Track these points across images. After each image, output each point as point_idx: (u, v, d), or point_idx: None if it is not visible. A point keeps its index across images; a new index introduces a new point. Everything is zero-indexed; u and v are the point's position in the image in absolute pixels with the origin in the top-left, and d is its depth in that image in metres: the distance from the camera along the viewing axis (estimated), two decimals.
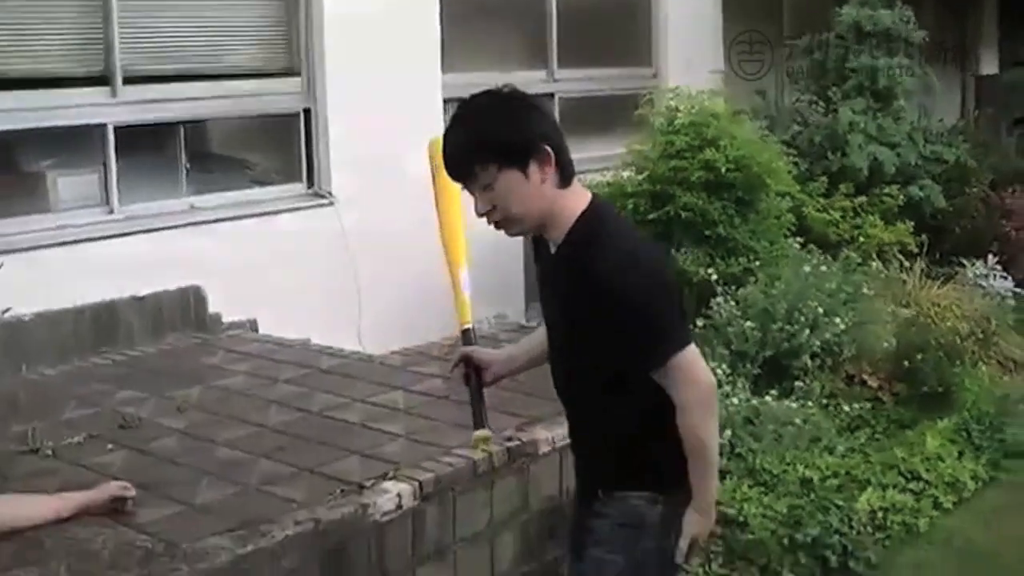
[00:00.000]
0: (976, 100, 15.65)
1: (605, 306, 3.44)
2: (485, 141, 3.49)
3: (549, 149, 3.51)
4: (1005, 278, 11.00)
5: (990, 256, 11.11)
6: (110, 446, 5.38)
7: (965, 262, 11.00)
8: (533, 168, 3.49)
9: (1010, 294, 10.74)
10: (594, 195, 3.64)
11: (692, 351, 3.53)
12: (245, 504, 4.67)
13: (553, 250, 3.63)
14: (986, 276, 10.85)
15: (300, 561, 4.40)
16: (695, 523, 3.62)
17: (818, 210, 10.10)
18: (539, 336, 3.99)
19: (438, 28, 9.09)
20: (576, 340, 3.62)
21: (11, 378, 6.48)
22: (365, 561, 4.66)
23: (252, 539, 4.32)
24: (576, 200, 3.58)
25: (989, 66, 16.68)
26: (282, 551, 4.35)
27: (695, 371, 3.51)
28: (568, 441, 4.01)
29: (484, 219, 3.55)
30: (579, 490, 3.88)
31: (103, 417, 5.78)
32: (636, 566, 3.64)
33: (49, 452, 5.30)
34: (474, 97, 3.59)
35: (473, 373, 4.05)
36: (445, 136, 3.58)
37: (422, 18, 8.97)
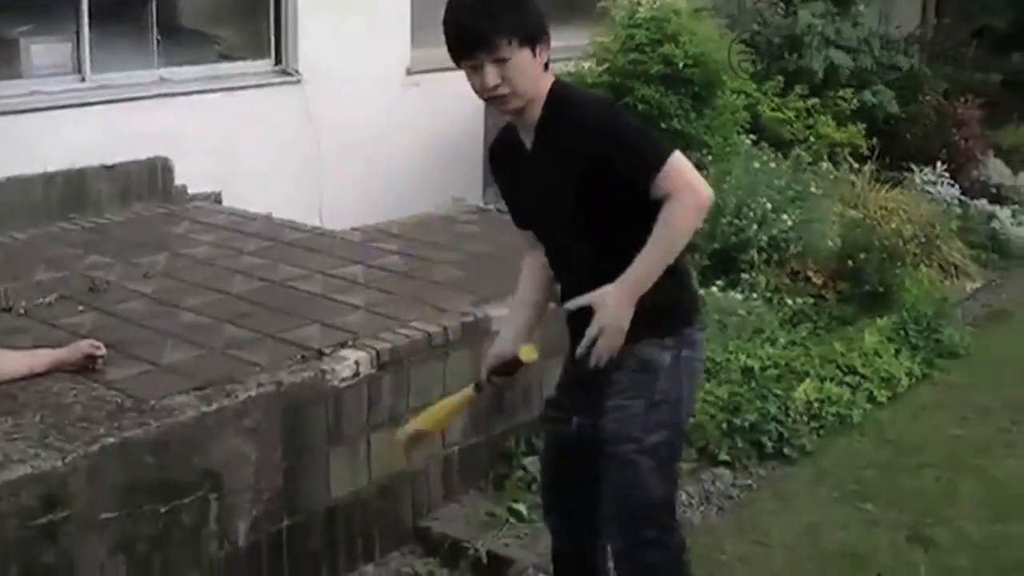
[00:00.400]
0: (937, 8, 15.71)
1: (601, 142, 3.70)
2: (513, 19, 3.68)
3: (549, 34, 3.80)
4: (952, 185, 11.24)
5: (939, 163, 11.34)
6: (80, 307, 5.54)
7: (914, 168, 11.23)
8: (539, 49, 3.75)
9: (956, 201, 10.98)
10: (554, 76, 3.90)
11: (679, 158, 3.69)
12: (210, 366, 4.84)
13: (530, 143, 3.87)
14: (934, 183, 11.09)
15: (261, 420, 4.60)
16: (609, 300, 3.70)
17: (772, 109, 10.27)
18: (527, 298, 4.21)
19: None
20: (583, 199, 3.79)
21: None
22: (323, 424, 4.87)
23: (216, 398, 4.51)
24: (548, 81, 3.83)
25: None
26: (244, 410, 4.54)
27: (694, 176, 3.69)
28: None
29: (486, 93, 3.73)
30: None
31: (72, 280, 5.93)
32: (652, 406, 3.87)
33: (22, 311, 5.46)
34: None
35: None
36: (463, 7, 3.75)
37: None
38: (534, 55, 3.73)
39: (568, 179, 3.77)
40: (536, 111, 3.82)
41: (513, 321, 4.22)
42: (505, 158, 4.04)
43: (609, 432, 3.90)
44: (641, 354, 3.85)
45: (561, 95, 3.84)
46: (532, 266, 4.16)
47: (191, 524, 4.43)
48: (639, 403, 3.88)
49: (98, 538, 4.14)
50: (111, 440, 4.16)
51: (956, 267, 9.90)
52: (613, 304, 3.70)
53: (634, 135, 3.77)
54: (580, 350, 3.75)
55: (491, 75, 3.69)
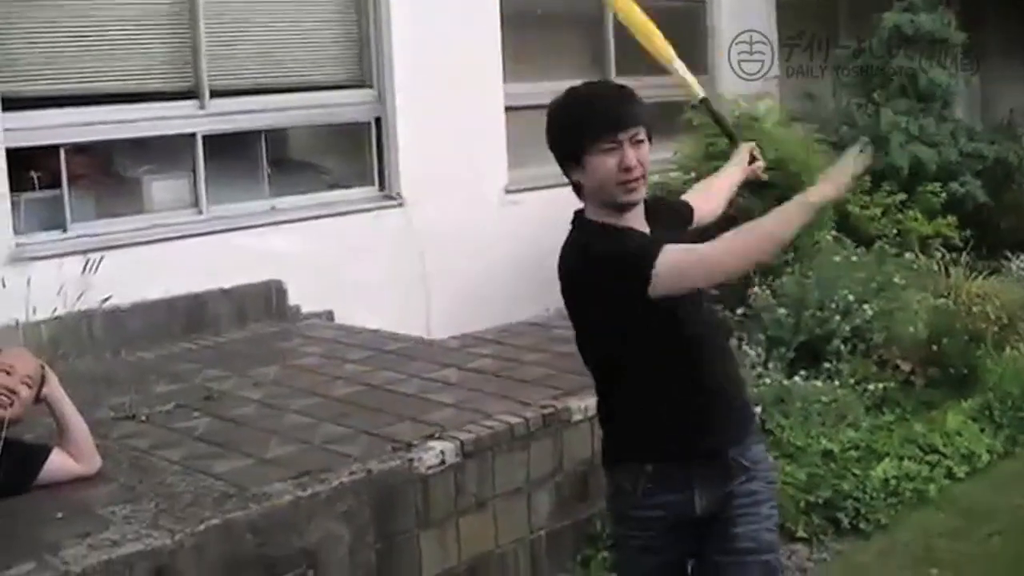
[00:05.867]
0: None
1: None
2: (646, 109, 3.90)
3: None
4: None
5: None
6: (195, 413, 6.08)
7: (1010, 256, 11.45)
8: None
9: None
10: None
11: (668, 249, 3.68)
12: (309, 458, 5.33)
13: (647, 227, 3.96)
14: None
15: (354, 504, 5.07)
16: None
17: (861, 207, 10.60)
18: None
19: (499, 40, 9.69)
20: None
21: (111, 360, 7.20)
22: (412, 509, 5.30)
23: (311, 485, 4.99)
24: None
25: None
26: (337, 496, 5.01)
27: (684, 257, 3.68)
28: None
29: (627, 171, 3.80)
30: (712, 472, 3.93)
31: (190, 391, 6.47)
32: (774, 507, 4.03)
33: (143, 419, 6.01)
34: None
35: None
36: (604, 91, 4.06)
37: (484, 31, 9.58)
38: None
39: None
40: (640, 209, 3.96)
41: None
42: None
43: (764, 541, 3.93)
44: (767, 464, 4.06)
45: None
46: None
47: None
48: (776, 512, 4.01)
49: None
50: (215, 521, 4.66)
51: None
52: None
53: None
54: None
55: (630, 155, 3.80)
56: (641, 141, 3.84)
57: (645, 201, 3.94)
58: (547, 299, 8.54)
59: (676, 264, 3.63)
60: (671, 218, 4.12)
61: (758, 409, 6.93)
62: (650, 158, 3.87)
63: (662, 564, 4.03)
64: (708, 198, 4.43)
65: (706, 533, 3.95)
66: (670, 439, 3.90)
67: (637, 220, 3.91)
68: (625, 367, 3.90)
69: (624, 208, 3.86)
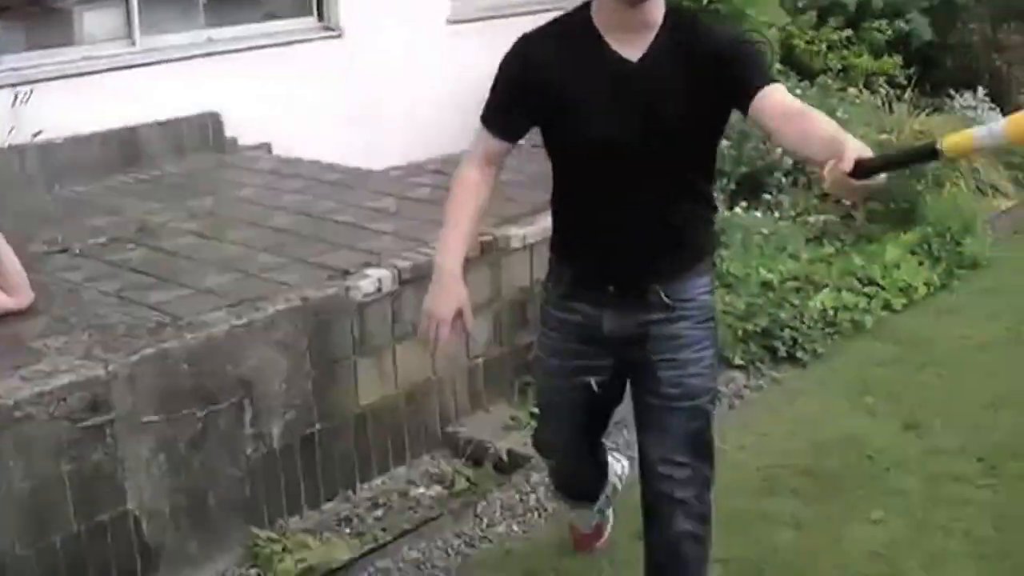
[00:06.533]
0: None
1: (733, 48, 3.58)
2: None
3: None
4: (993, 109, 11.45)
5: (980, 88, 11.56)
6: (129, 246, 6.00)
7: (954, 93, 11.47)
8: None
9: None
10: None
11: None
12: (244, 287, 5.29)
13: (638, 54, 3.61)
14: (975, 107, 11.30)
15: (290, 334, 5.06)
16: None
17: (807, 42, 10.56)
18: (473, 205, 3.98)
19: None
20: (688, 121, 3.60)
21: (44, 195, 7.07)
22: (348, 336, 5.30)
23: (247, 313, 4.96)
24: None
25: None
26: (273, 324, 4.99)
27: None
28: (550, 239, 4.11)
29: None
30: (625, 299, 3.83)
31: (125, 224, 6.38)
32: (716, 354, 3.94)
33: (77, 252, 5.92)
34: None
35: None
36: None
37: None
38: None
39: (683, 94, 3.58)
40: (658, 17, 3.63)
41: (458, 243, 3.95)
42: (562, 59, 3.68)
43: (689, 386, 3.83)
44: (705, 303, 3.85)
45: (680, 9, 3.75)
46: (477, 185, 3.97)
47: (227, 427, 4.88)
48: (709, 354, 3.87)
49: (141, 439, 4.60)
50: (150, 351, 4.63)
51: (993, 187, 10.14)
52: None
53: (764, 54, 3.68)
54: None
55: None
56: None
57: (674, 15, 3.64)
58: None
59: None
60: (714, 70, 3.54)
61: None
62: None
63: (565, 370, 4.02)
64: (795, 126, 3.42)
65: (632, 374, 3.94)
66: (589, 253, 3.87)
67: (636, 32, 3.61)
68: (556, 166, 3.86)
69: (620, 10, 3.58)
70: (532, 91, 3.70)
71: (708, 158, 3.79)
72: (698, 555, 4.00)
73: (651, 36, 3.60)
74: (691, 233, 3.81)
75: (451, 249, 3.88)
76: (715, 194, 3.99)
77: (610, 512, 4.81)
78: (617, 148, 3.64)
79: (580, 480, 4.56)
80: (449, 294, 3.79)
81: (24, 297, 5.09)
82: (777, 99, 3.44)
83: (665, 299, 3.77)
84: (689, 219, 3.78)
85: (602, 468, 4.53)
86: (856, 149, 3.05)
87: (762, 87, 3.44)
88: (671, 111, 3.57)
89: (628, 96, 3.60)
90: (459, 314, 3.79)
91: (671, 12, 3.62)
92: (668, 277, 3.78)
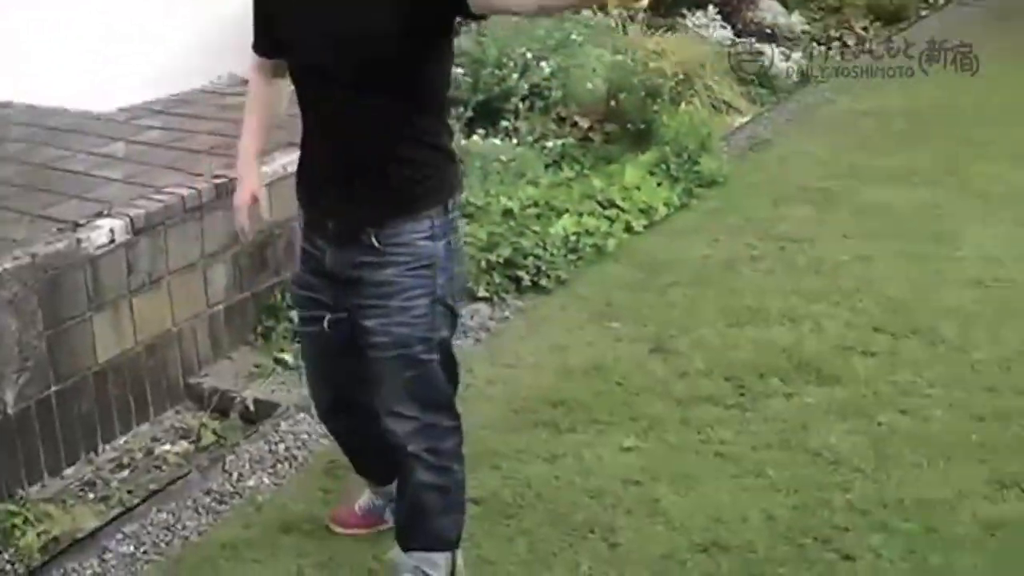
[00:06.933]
0: None
1: None
2: None
3: None
4: (724, 27, 11.66)
5: (710, 7, 11.74)
6: None
7: (686, 13, 11.62)
8: None
9: (728, 42, 11.38)
10: None
11: None
12: None
13: None
14: (706, 26, 11.48)
15: (19, 292, 4.83)
16: None
17: None
18: (266, 102, 4.07)
19: None
20: (381, 41, 3.43)
21: None
22: (82, 291, 5.10)
23: None
24: None
25: None
26: (1, 284, 4.79)
27: None
28: (289, 175, 4.20)
29: None
30: (341, 238, 3.74)
31: None
32: (435, 302, 3.70)
33: None
34: None
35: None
36: None
37: None
38: None
39: (374, 7, 3.44)
40: None
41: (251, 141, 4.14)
42: None
43: (396, 335, 3.71)
44: (417, 249, 3.66)
45: None
46: (262, 86, 4.05)
47: None
48: (423, 302, 3.70)
49: None
50: None
51: (727, 104, 10.35)
52: None
53: None
54: None
55: None
56: None
57: None
58: (221, 65, 8.36)
59: None
60: None
61: None
62: None
63: (302, 301, 4.00)
64: None
65: (354, 320, 3.79)
66: (309, 186, 3.84)
67: None
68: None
69: None
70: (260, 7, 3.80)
71: (416, 85, 3.53)
72: (441, 505, 3.97)
73: None
74: (397, 174, 3.63)
75: (245, 131, 4.12)
76: (447, 132, 3.77)
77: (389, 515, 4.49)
78: (313, 71, 3.61)
79: (350, 448, 4.40)
80: (242, 181, 4.09)
81: None
82: None
83: (375, 243, 3.65)
84: (392, 158, 3.61)
85: (382, 451, 4.09)
86: None
87: None
88: (359, 28, 3.45)
89: (316, 9, 3.52)
90: (254, 199, 4.01)
91: None
92: (377, 220, 3.65)
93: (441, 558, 4.02)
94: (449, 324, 3.81)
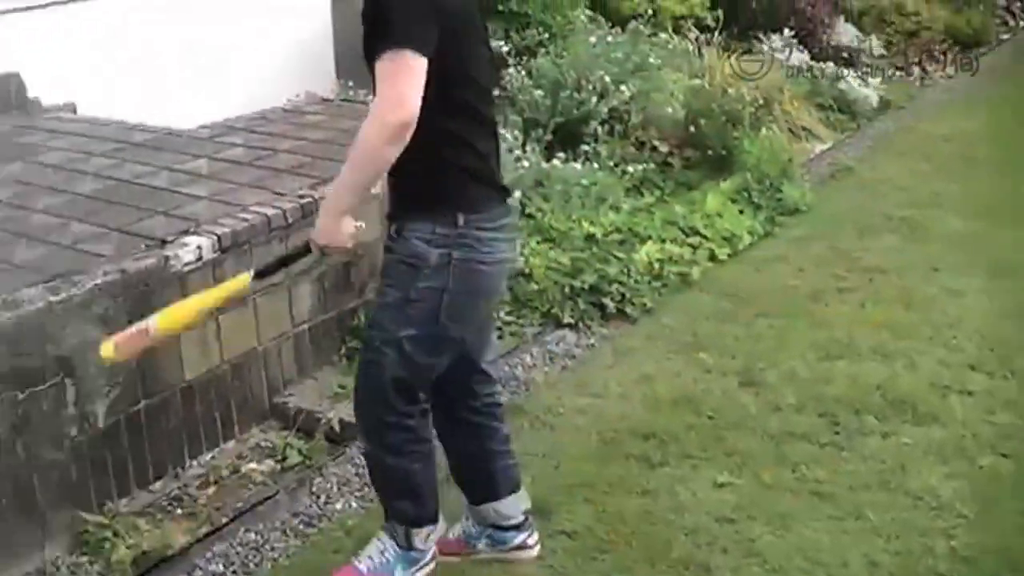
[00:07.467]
0: None
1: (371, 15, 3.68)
2: None
3: None
4: (801, 51, 11.59)
5: (786, 30, 11.67)
6: None
7: (762, 36, 11.56)
8: None
9: (805, 66, 11.32)
10: None
11: (410, 59, 3.54)
12: (59, 260, 5.02)
13: None
14: (782, 49, 11.42)
15: (109, 308, 4.81)
16: (319, 219, 3.89)
17: None
18: None
19: None
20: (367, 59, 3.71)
21: None
22: None
23: (64, 289, 4.70)
24: None
25: None
26: (91, 299, 4.74)
27: (398, 88, 3.54)
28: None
29: None
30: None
31: None
32: (406, 301, 3.89)
33: None
34: None
35: None
36: None
37: None
38: None
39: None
40: None
41: None
42: None
43: (371, 316, 4.13)
44: (410, 246, 3.88)
45: None
46: None
47: (49, 409, 4.62)
48: (395, 295, 3.94)
49: None
50: None
51: (806, 129, 10.27)
52: (320, 215, 3.92)
53: (400, 6, 3.61)
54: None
55: None
56: None
57: None
58: (301, 84, 8.39)
59: None
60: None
61: (517, 194, 6.89)
62: None
63: None
64: None
65: None
66: None
67: None
68: None
69: None
70: None
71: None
72: (370, 472, 4.38)
73: None
74: (404, 171, 3.80)
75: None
76: (463, 151, 3.90)
77: (484, 546, 4.53)
78: None
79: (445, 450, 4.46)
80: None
81: None
82: None
83: (391, 231, 3.97)
84: (407, 160, 3.70)
85: (471, 458, 4.39)
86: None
87: (374, 62, 3.61)
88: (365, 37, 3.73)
89: None
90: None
91: None
92: (394, 213, 3.99)
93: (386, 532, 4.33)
94: (423, 333, 3.94)
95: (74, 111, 7.85)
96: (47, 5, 7.89)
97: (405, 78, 3.55)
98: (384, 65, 3.56)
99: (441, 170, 3.86)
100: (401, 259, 3.92)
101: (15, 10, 7.72)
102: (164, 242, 5.20)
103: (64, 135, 7.14)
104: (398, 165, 3.70)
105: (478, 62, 3.90)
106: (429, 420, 4.20)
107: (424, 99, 3.58)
